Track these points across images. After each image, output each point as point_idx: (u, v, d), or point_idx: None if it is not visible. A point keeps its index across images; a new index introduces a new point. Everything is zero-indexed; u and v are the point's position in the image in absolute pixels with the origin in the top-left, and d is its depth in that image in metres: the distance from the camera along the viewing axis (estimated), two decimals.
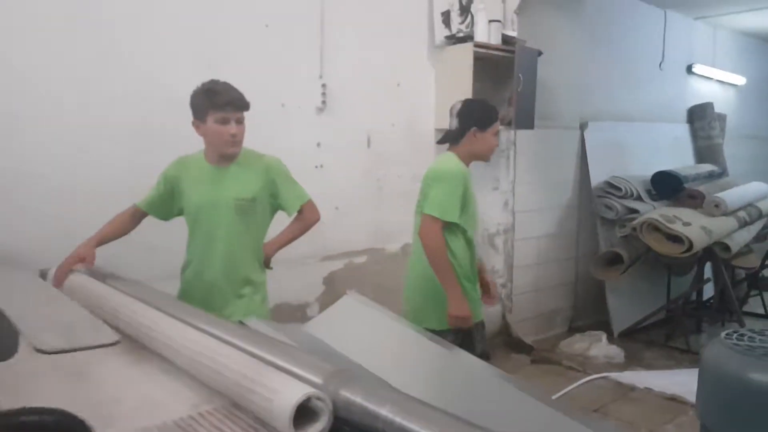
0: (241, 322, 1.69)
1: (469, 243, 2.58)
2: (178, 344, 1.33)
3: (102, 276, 1.98)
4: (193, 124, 2.19)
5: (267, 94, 3.12)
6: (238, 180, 2.22)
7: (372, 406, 1.04)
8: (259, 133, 3.07)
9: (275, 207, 2.33)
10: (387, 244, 3.87)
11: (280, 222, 2.44)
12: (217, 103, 2.12)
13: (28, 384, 1.23)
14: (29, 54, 2.50)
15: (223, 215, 2.19)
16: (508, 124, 3.99)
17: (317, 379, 1.14)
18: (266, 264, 2.37)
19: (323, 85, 3.42)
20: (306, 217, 2.38)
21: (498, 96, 4.04)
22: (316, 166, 3.46)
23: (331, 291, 3.62)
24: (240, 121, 2.18)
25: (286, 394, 1.06)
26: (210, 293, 2.20)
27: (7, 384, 1.20)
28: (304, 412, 1.06)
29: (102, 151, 2.68)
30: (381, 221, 3.82)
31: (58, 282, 1.95)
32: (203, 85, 2.17)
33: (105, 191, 2.59)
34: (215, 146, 2.19)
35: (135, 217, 2.31)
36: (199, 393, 1.20)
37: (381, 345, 1.81)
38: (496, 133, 2.64)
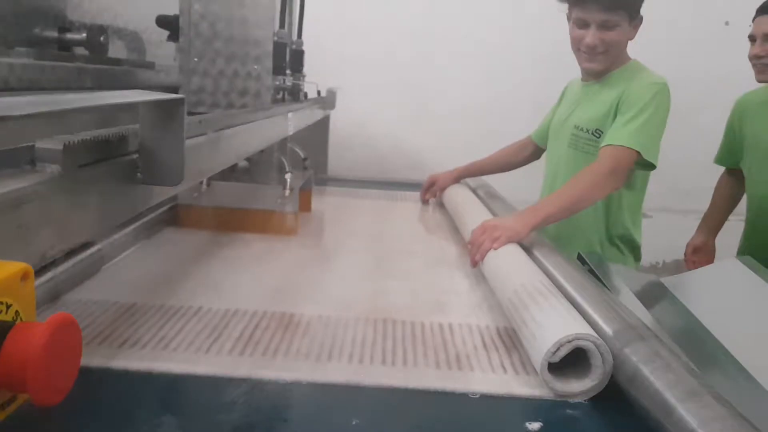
0: (579, 255, 1.45)
1: None
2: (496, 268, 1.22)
3: (472, 188, 2.04)
4: (567, 16, 1.64)
5: (706, 8, 2.58)
6: (590, 103, 1.65)
7: (658, 385, 0.72)
8: (690, 56, 2.61)
9: None
10: None
11: None
12: None
13: None
14: None
15: (561, 147, 1.71)
16: None
17: (607, 329, 0.88)
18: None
19: None
20: (591, 168, 1.47)
21: None
22: None
23: None
24: (609, 26, 1.53)
25: (551, 331, 0.85)
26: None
27: None
28: (579, 364, 0.83)
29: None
30: None
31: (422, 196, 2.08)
32: None
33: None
34: (573, 52, 1.65)
35: (525, 148, 1.99)
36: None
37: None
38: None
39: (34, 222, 0.38)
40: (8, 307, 0.32)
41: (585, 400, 0.82)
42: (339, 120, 2.53)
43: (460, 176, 2.03)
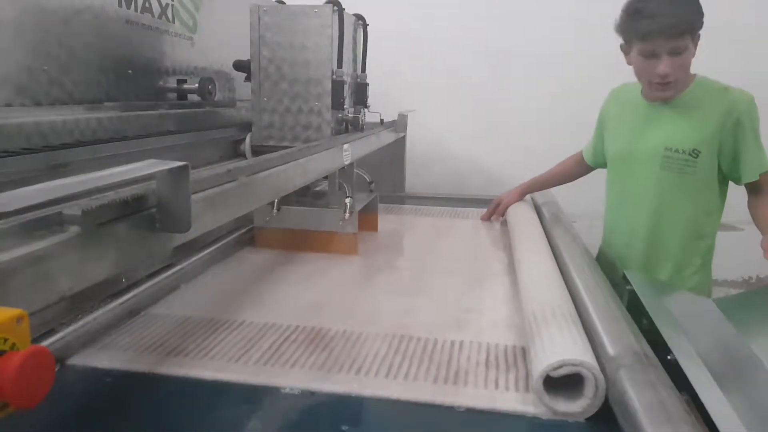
0: (624, 276, 1.45)
1: None
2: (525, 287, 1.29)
3: (538, 205, 2.09)
4: (622, 48, 1.64)
5: None
6: (675, 123, 1.63)
7: (641, 409, 0.76)
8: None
9: (727, 170, 1.63)
10: None
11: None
12: (640, 30, 1.51)
13: None
14: None
15: (644, 170, 1.68)
16: None
17: (611, 351, 0.93)
18: None
19: None
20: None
21: None
22: None
23: None
24: (678, 52, 1.51)
25: (548, 354, 0.91)
26: (624, 264, 1.74)
27: None
28: (576, 384, 0.88)
29: None
30: None
31: (485, 216, 2.16)
32: None
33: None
34: (642, 83, 1.65)
35: (579, 165, 2.01)
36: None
37: None
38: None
39: (54, 271, 0.53)
40: (5, 340, 0.46)
41: (584, 420, 0.87)
42: (416, 140, 2.64)
43: (522, 193, 2.12)
